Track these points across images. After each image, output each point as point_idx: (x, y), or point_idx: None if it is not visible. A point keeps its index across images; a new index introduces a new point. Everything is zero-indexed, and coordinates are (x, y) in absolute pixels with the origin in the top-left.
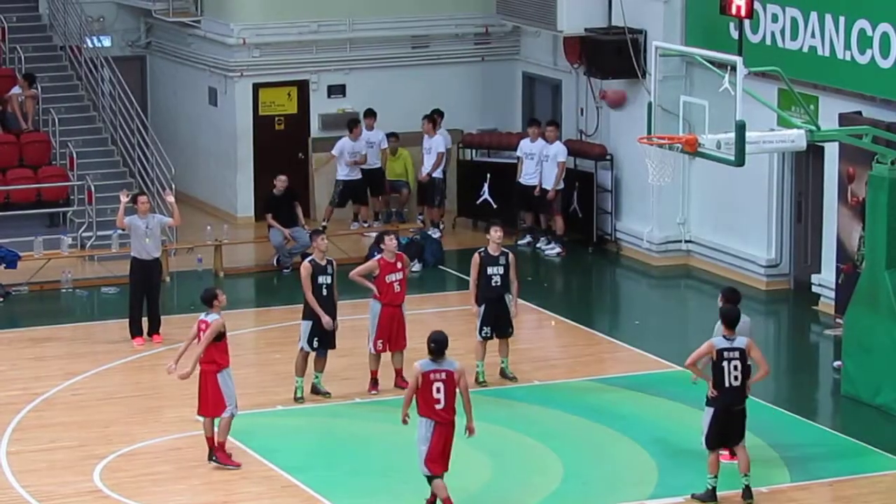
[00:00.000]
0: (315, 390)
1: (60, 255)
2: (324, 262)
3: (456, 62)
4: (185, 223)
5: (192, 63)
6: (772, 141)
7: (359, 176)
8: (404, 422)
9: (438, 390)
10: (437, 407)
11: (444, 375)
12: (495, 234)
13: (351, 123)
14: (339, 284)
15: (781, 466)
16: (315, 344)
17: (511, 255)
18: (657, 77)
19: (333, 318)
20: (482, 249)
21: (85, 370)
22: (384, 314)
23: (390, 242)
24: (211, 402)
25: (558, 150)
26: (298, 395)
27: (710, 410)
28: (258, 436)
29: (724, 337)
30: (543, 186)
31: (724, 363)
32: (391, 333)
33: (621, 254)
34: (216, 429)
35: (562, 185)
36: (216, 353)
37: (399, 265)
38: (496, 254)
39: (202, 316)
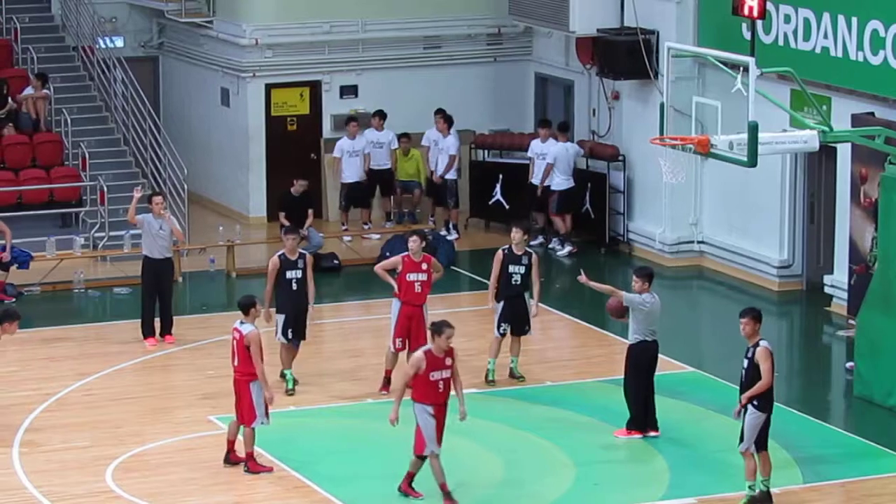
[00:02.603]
0: (283, 377)
1: (73, 256)
2: (294, 258)
3: (468, 63)
4: (198, 224)
5: (205, 64)
6: (784, 142)
7: (363, 178)
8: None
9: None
10: None
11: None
12: (515, 234)
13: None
14: (363, 282)
15: (793, 467)
16: (289, 335)
17: (534, 257)
18: (670, 78)
19: (303, 310)
20: (506, 247)
21: (97, 370)
22: (403, 312)
23: (413, 243)
24: (245, 411)
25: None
26: (289, 387)
27: (761, 415)
28: (270, 436)
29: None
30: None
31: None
32: (410, 333)
33: (633, 255)
34: (240, 436)
35: (570, 185)
36: (250, 363)
37: (424, 266)
38: (519, 253)
39: (236, 323)
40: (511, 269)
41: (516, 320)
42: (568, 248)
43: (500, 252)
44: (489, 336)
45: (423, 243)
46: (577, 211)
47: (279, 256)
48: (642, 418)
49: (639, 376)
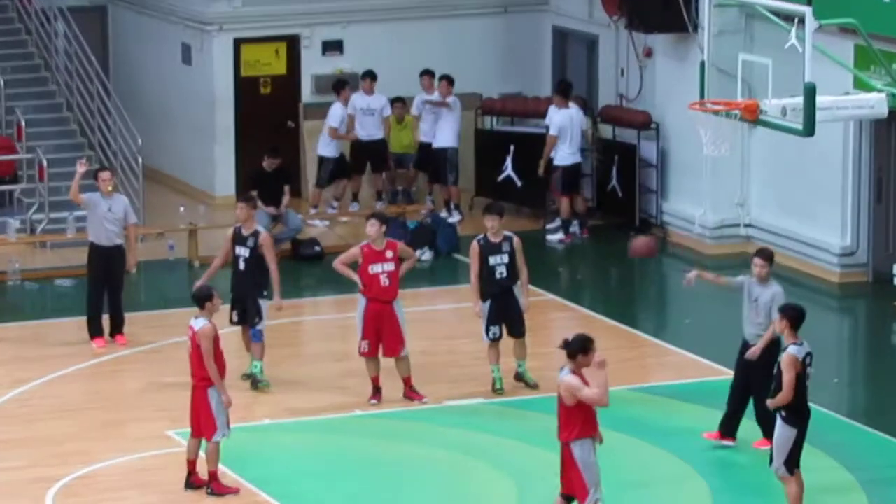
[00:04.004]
0: (253, 383)
1: (6, 242)
2: (246, 234)
3: (474, 14)
4: (155, 204)
5: (162, 15)
6: (847, 107)
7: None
8: None
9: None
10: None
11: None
12: (490, 223)
13: (338, 85)
14: (333, 277)
15: (858, 491)
16: (235, 318)
17: (516, 240)
18: (712, 31)
19: (249, 293)
20: (481, 237)
21: (35, 377)
22: (369, 311)
23: (371, 228)
24: (202, 422)
25: (551, 122)
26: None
27: (791, 430)
28: (240, 454)
29: (797, 344)
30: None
31: (807, 371)
32: (379, 334)
33: (669, 240)
34: (201, 453)
35: (575, 160)
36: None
37: (389, 254)
38: (497, 240)
39: (191, 320)
40: (492, 260)
41: (510, 321)
42: (559, 235)
43: (474, 245)
44: (482, 337)
45: (384, 227)
46: (602, 188)
47: (234, 228)
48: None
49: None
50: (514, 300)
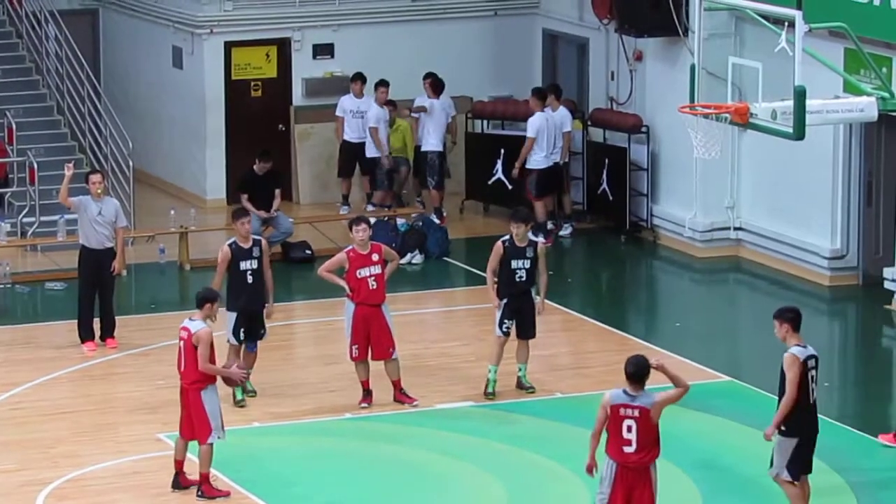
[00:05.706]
0: (243, 388)
1: None
2: (247, 246)
3: (464, 17)
4: (146, 207)
5: (153, 18)
6: (837, 110)
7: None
8: (589, 470)
9: (629, 429)
10: (626, 449)
11: (636, 413)
12: (516, 230)
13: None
14: (339, 276)
15: (848, 493)
16: (241, 336)
17: (540, 246)
18: (702, 35)
19: (260, 305)
20: (506, 238)
21: (26, 380)
22: (357, 315)
23: (363, 233)
24: (194, 425)
25: (529, 124)
26: (239, 397)
27: (791, 440)
28: (231, 457)
29: (800, 346)
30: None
31: (810, 374)
32: (368, 338)
33: (659, 243)
34: (189, 454)
35: (549, 164)
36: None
37: (375, 258)
38: (522, 245)
39: (185, 321)
40: (514, 264)
41: (522, 320)
42: (541, 238)
43: (499, 244)
44: (489, 339)
45: (370, 231)
46: (593, 191)
47: (230, 245)
48: None
49: None
50: (531, 302)
